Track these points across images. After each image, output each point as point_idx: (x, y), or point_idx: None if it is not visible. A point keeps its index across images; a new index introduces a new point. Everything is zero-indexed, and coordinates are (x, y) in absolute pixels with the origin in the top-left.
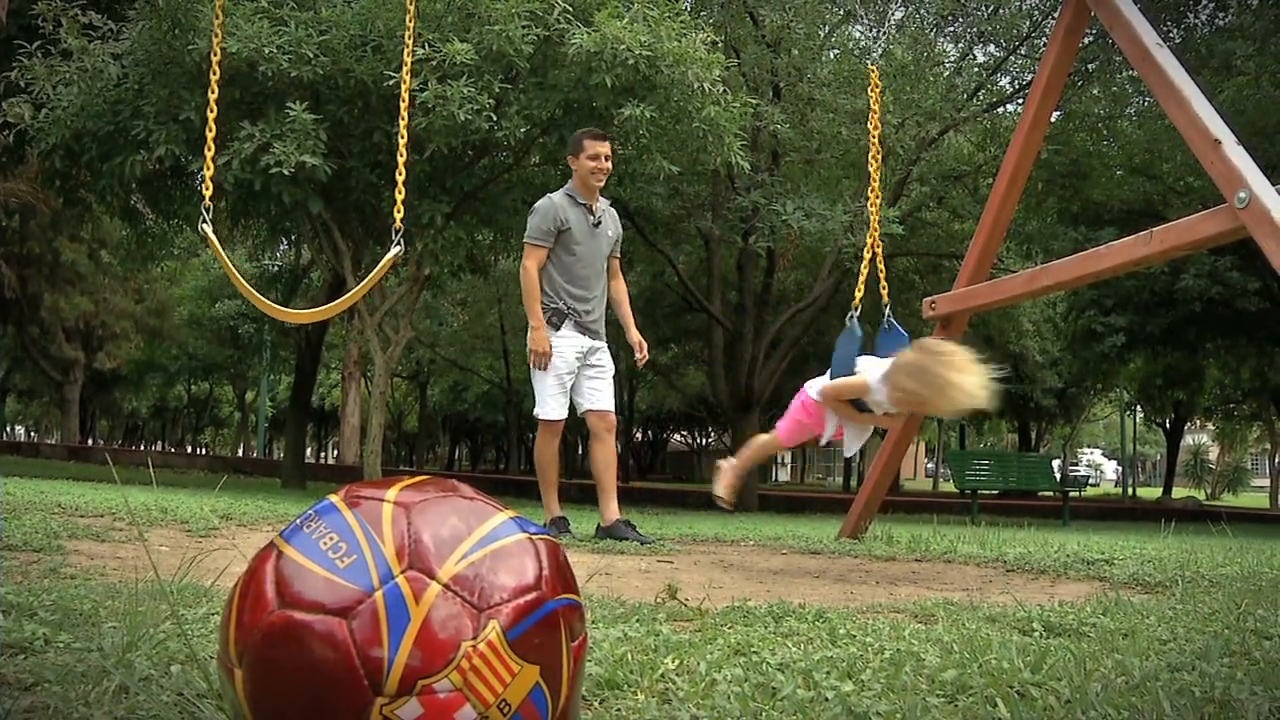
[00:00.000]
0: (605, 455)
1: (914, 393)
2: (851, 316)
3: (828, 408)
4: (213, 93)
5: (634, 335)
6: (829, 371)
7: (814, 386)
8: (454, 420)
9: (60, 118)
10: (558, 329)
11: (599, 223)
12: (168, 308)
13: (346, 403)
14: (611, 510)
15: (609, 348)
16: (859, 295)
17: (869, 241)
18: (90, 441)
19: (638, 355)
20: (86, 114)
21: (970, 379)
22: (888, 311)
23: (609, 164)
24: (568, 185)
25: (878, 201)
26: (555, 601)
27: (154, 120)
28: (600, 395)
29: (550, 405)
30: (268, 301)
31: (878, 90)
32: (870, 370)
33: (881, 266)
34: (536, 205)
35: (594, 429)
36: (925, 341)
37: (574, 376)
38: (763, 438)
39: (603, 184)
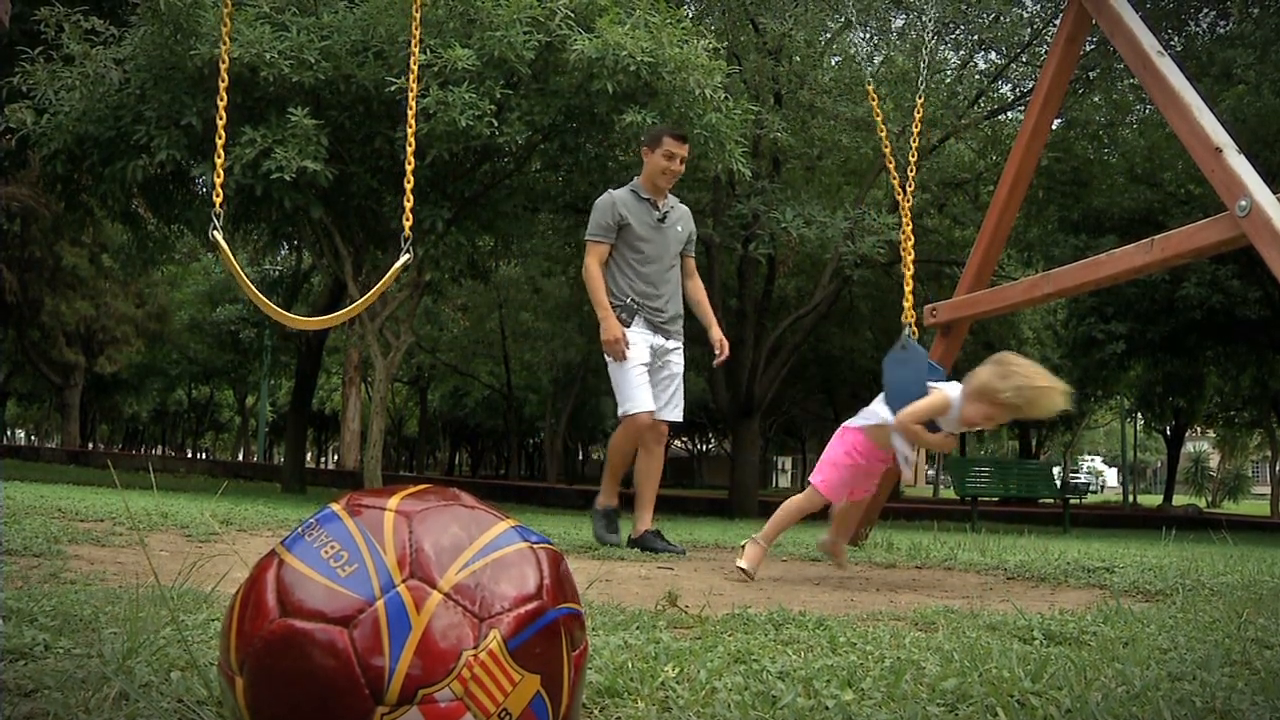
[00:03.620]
0: (650, 465)
1: (1010, 407)
2: (908, 335)
3: (898, 435)
4: (221, 100)
5: (715, 333)
6: (886, 397)
7: (871, 417)
8: (454, 425)
9: (62, 123)
10: (628, 325)
11: (664, 218)
12: (168, 312)
13: (347, 408)
14: (644, 521)
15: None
16: (910, 311)
17: (905, 257)
18: (90, 446)
19: (718, 353)
20: (88, 119)
21: (1055, 388)
22: (910, 330)
23: (682, 167)
24: (634, 180)
25: (909, 221)
26: (556, 610)
27: (155, 125)
28: (662, 403)
29: (637, 398)
30: (277, 308)
31: (879, 109)
32: (947, 390)
33: (909, 284)
34: (596, 201)
35: (643, 438)
36: (1001, 357)
37: (649, 371)
38: (796, 501)
39: (671, 185)
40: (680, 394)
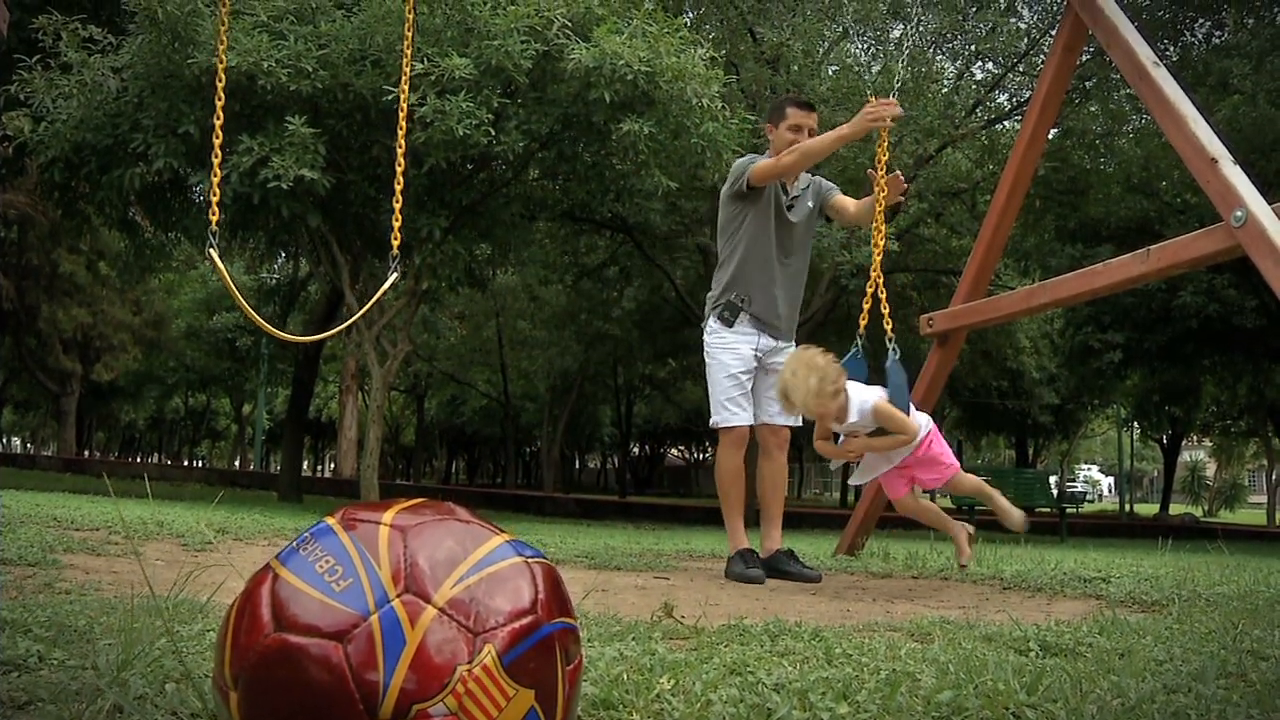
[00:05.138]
0: (773, 474)
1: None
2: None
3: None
4: (218, 119)
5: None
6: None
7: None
8: (451, 433)
9: (60, 130)
10: (731, 325)
11: (792, 206)
12: (165, 319)
13: (344, 416)
14: (774, 539)
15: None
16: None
17: (872, 275)
18: (87, 453)
19: (898, 189)
20: (86, 127)
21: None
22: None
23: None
24: (765, 154)
25: (881, 238)
26: (551, 625)
27: (153, 133)
28: (777, 408)
29: (730, 410)
30: (269, 326)
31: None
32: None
33: (884, 299)
34: (734, 164)
35: (764, 444)
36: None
37: (752, 378)
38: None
39: None
40: None
